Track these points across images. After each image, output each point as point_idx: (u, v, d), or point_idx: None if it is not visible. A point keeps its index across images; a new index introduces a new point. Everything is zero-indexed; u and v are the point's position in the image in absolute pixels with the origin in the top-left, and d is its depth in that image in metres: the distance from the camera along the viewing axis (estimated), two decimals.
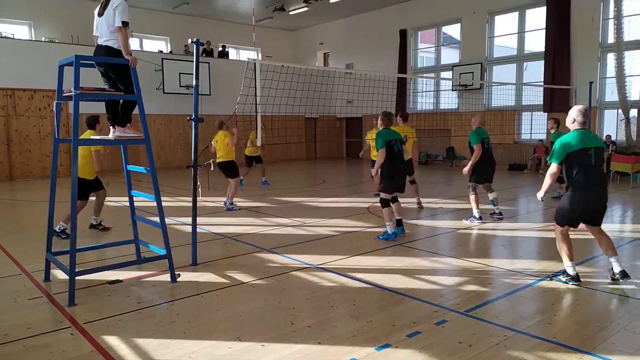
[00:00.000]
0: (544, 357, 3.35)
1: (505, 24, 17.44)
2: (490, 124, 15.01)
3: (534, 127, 16.03)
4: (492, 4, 16.92)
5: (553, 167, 4.76)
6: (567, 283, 4.80)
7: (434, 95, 20.11)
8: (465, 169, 7.80)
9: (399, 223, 6.94)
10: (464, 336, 3.67)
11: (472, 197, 7.92)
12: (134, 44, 19.68)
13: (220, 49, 20.95)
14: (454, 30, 19.36)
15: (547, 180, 4.79)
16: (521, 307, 4.36)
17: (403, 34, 19.85)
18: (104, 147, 7.41)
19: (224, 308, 4.33)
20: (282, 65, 7.85)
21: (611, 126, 14.84)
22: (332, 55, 23.67)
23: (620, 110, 14.19)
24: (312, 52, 24.24)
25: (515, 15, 16.70)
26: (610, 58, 14.13)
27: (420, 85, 20.59)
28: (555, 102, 15.14)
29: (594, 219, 4.86)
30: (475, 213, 7.90)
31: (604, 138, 14.27)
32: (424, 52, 21.61)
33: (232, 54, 22.69)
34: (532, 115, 16.37)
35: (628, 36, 13.54)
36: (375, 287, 4.80)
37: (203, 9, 20.29)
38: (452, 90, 18.55)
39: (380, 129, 6.87)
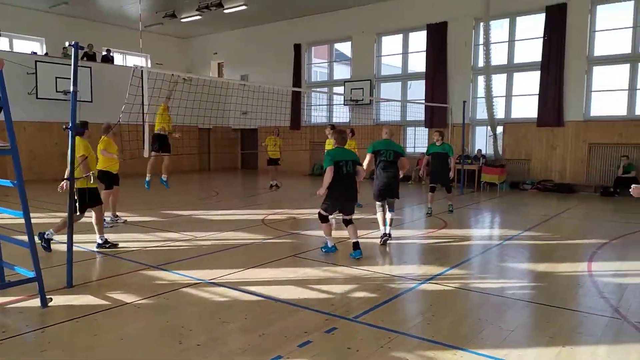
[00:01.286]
0: (423, 355, 3.59)
1: (391, 44, 18.64)
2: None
3: (417, 141, 17.26)
4: (380, 25, 17.99)
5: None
6: None
7: (327, 109, 20.78)
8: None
9: (355, 246, 6.37)
10: (352, 342, 3.80)
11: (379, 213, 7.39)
12: (2, 44, 17.70)
13: (104, 53, 19.64)
14: (345, 48, 20.24)
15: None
16: (404, 310, 4.64)
17: (297, 48, 20.28)
18: None
19: (103, 332, 4.01)
20: (172, 74, 7.57)
21: (482, 141, 16.49)
22: (227, 66, 23.40)
23: (489, 127, 15.85)
24: (205, 61, 23.75)
25: (400, 37, 17.94)
26: (480, 80, 15.76)
27: (314, 99, 21.15)
28: (435, 118, 16.47)
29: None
30: (382, 228, 7.35)
31: (476, 152, 15.82)
32: (317, 67, 22.28)
33: (118, 59, 21.41)
34: (415, 130, 17.62)
35: (495, 61, 15.22)
36: (268, 300, 4.79)
37: (85, 10, 18.89)
38: (344, 104, 19.32)
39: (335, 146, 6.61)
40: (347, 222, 6.52)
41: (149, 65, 21.37)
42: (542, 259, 6.61)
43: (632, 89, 13.61)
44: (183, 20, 19.49)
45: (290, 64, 20.37)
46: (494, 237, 8.39)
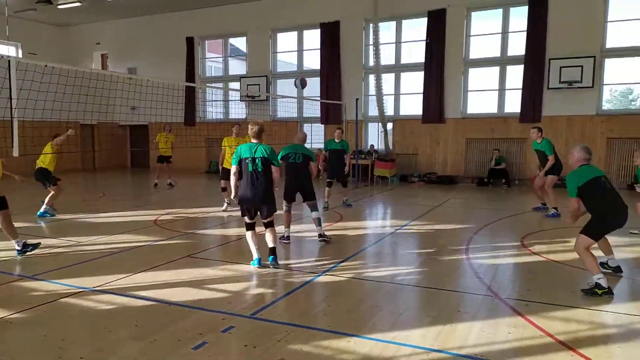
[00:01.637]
0: (319, 345, 3.68)
1: (287, 41, 18.76)
2: (277, 134, 15.91)
3: (314, 137, 17.59)
4: (275, 22, 18.00)
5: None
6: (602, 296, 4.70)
7: (223, 105, 20.35)
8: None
9: (270, 252, 5.76)
10: (250, 339, 3.78)
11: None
12: None
13: None
14: (240, 43, 19.94)
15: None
16: (302, 303, 4.72)
17: (190, 41, 19.55)
18: None
19: None
20: (46, 65, 6.89)
21: (374, 137, 17.29)
22: (112, 58, 21.84)
23: (380, 124, 16.67)
24: (87, 52, 21.91)
25: (294, 34, 18.11)
26: (372, 79, 16.49)
27: (209, 94, 20.58)
28: (331, 115, 16.93)
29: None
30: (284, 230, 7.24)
31: (369, 147, 16.54)
32: (212, 62, 21.70)
33: None
34: (311, 126, 17.95)
35: (384, 61, 16.01)
36: (160, 304, 4.58)
37: None
38: (240, 100, 19.07)
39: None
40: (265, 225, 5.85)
41: (21, 55, 19.23)
42: (427, 245, 7.12)
43: (501, 89, 15.15)
44: (60, 6, 17.78)
45: (182, 58, 19.59)
46: (385, 228, 8.85)
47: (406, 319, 4.24)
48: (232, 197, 5.95)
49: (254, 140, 5.70)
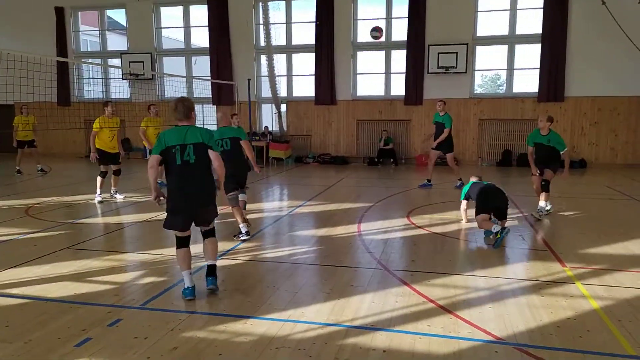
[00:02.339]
0: (215, 330, 3.62)
1: (172, 15, 17.73)
2: (165, 115, 15.09)
3: (206, 118, 17.03)
4: None
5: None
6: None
7: (103, 82, 18.76)
8: None
9: (209, 271, 4.43)
10: (140, 330, 3.60)
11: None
12: None
13: None
14: (120, 16, 18.43)
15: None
16: (196, 288, 4.57)
17: (60, 12, 17.61)
18: None
19: None
20: None
21: (268, 119, 17.20)
22: None
23: (273, 105, 16.61)
24: None
25: (180, 9, 17.18)
26: (263, 59, 16.29)
27: (85, 71, 18.82)
28: (222, 95, 16.45)
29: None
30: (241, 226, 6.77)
31: (263, 129, 16.43)
32: (87, 36, 19.80)
33: None
34: (203, 107, 17.32)
35: (276, 41, 15.89)
36: (35, 301, 4.16)
37: None
38: (123, 78, 17.73)
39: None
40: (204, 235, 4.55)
41: None
42: (322, 224, 7.30)
43: (387, 73, 15.88)
44: None
45: (52, 31, 17.59)
46: (282, 209, 8.90)
47: (302, 296, 4.33)
48: (153, 199, 4.37)
49: (180, 123, 4.33)
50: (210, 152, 4.26)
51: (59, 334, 3.51)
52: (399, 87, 15.66)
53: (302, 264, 5.30)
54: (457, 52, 14.56)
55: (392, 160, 15.26)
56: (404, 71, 15.24)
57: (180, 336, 3.50)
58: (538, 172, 7.50)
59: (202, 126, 4.63)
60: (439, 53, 14.68)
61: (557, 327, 3.67)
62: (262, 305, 4.09)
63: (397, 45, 15.49)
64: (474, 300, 4.26)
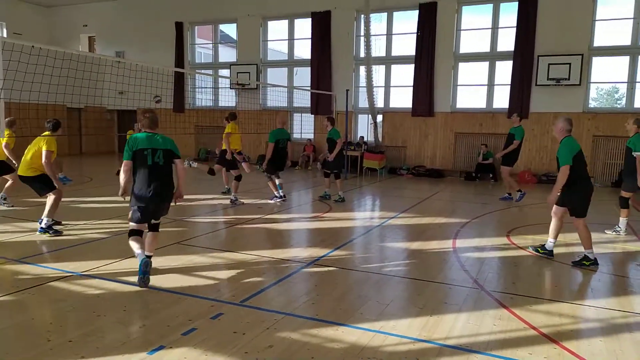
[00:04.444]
0: (307, 333, 3.72)
1: (278, 29, 18.61)
2: (266, 123, 15.85)
3: (304, 127, 17.57)
4: (266, 9, 17.84)
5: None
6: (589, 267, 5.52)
7: (213, 92, 20.18)
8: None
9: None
10: (239, 325, 3.81)
11: (270, 183, 9.54)
12: None
13: None
14: (231, 30, 19.73)
15: None
16: (290, 291, 4.75)
17: (180, 26, 19.31)
18: None
19: None
20: (33, 46, 6.76)
21: (364, 129, 17.32)
22: (99, 41, 21.48)
23: (370, 115, 16.69)
24: (74, 34, 21.54)
25: (285, 23, 17.98)
26: (362, 70, 16.46)
27: (198, 81, 20.38)
28: (320, 105, 16.89)
29: None
30: (276, 193, 9.52)
31: (358, 139, 16.57)
32: (202, 48, 21.46)
33: None
34: (301, 116, 17.91)
35: (375, 52, 15.99)
36: (149, 290, 4.58)
37: None
38: (230, 88, 18.92)
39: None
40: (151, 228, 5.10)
41: (5, 35, 18.81)
42: (415, 238, 7.19)
43: (490, 85, 15.25)
44: None
45: (171, 43, 19.34)
46: (374, 219, 8.91)
47: (393, 309, 4.30)
48: (120, 194, 4.87)
49: (149, 130, 4.91)
50: (176, 159, 4.96)
51: (169, 322, 3.84)
52: (501, 100, 14.97)
53: (393, 277, 5.26)
54: (570, 63, 13.61)
55: (491, 175, 14.59)
56: (509, 83, 14.54)
57: (275, 335, 3.65)
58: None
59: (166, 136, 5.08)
60: (549, 64, 13.82)
61: None
62: (353, 313, 4.13)
63: (503, 56, 14.84)
64: (583, 331, 3.94)
